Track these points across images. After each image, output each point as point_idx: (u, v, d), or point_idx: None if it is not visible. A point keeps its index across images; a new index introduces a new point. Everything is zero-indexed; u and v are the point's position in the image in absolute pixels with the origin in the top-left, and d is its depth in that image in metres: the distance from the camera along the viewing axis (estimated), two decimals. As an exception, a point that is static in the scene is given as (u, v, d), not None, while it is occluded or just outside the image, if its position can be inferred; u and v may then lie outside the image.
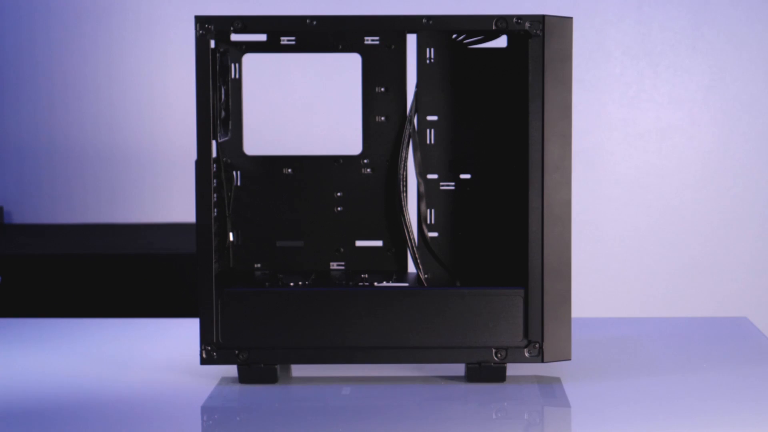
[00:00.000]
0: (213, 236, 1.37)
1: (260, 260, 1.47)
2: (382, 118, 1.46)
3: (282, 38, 1.44)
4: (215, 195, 1.39)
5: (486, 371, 1.39)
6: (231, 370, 1.41)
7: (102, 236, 3.03)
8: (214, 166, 1.39)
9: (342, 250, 1.47)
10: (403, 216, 1.45)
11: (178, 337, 1.62)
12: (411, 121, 1.45)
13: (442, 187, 1.46)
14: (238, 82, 1.45)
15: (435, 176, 1.46)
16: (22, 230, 3.09)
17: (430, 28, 1.39)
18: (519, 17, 1.37)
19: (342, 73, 3.02)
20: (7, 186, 3.18)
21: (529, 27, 1.37)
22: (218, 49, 1.40)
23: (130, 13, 3.15)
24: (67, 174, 3.17)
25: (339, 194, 1.46)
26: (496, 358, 1.39)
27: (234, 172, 1.45)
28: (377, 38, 1.45)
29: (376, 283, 1.46)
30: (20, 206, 3.18)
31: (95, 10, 3.13)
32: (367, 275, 1.47)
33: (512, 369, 1.42)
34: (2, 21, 3.14)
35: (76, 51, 3.14)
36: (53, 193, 3.18)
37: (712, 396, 1.36)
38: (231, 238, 1.45)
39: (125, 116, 3.17)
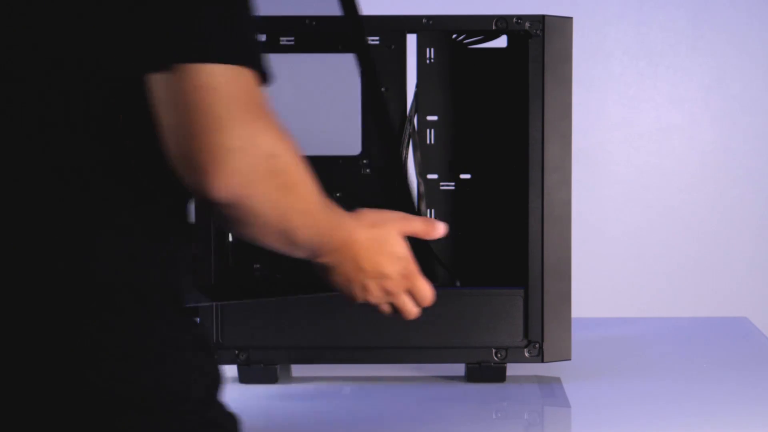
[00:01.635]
0: (213, 236, 1.37)
1: (260, 260, 1.47)
2: (382, 118, 1.46)
3: (282, 38, 1.44)
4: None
5: (486, 371, 1.39)
6: (231, 370, 1.41)
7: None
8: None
9: (342, 250, 1.47)
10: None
11: (178, 337, 1.61)
12: (411, 121, 1.45)
13: (442, 187, 1.46)
14: (238, 82, 1.45)
15: (435, 176, 1.46)
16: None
17: (430, 28, 1.38)
18: (519, 17, 1.37)
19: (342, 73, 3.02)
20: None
21: (529, 27, 1.37)
22: (218, 49, 1.39)
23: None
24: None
25: (339, 194, 1.46)
26: (496, 358, 1.39)
27: (234, 172, 1.45)
28: (377, 38, 1.45)
29: (376, 283, 1.46)
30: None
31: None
32: (367, 275, 1.47)
33: (512, 369, 1.42)
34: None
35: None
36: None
37: (712, 396, 1.36)
38: (231, 238, 1.45)
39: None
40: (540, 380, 1.41)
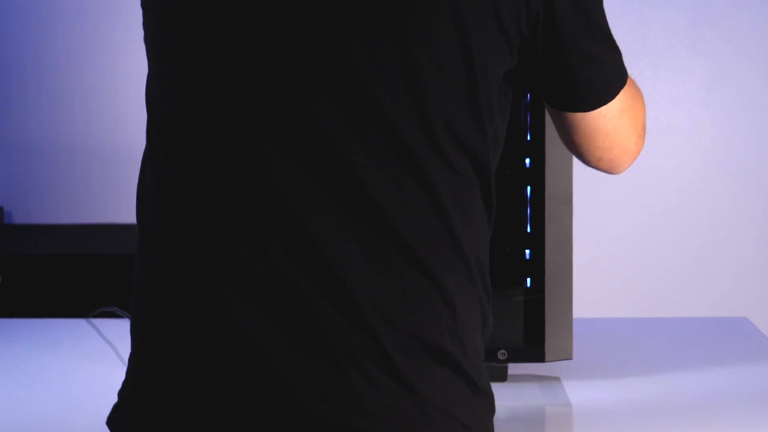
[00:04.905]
0: None
1: None
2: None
3: None
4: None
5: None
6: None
7: (102, 236, 3.03)
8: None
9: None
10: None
11: (179, 336, 1.61)
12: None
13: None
14: (238, 82, 1.44)
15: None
16: (22, 230, 3.10)
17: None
18: (519, 17, 1.37)
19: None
20: (7, 186, 3.18)
21: (530, 27, 1.36)
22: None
23: (133, 13, 3.15)
24: (68, 174, 3.17)
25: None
26: (498, 358, 1.39)
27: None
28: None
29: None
30: (20, 206, 3.19)
31: (98, 10, 3.13)
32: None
33: (513, 368, 1.42)
34: (5, 21, 3.14)
35: (78, 50, 3.14)
36: (53, 193, 3.18)
37: (712, 396, 1.36)
38: None
39: (127, 116, 3.17)
40: (540, 380, 1.41)
